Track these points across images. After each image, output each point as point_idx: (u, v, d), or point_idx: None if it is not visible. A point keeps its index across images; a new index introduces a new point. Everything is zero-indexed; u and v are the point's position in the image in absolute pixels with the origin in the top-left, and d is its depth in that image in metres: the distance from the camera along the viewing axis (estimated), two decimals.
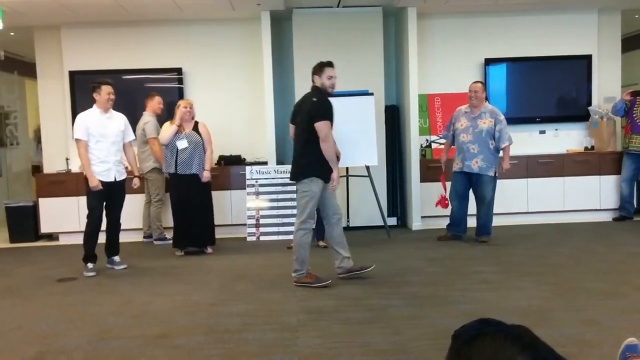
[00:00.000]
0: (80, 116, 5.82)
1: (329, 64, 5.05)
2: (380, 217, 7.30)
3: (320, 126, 4.85)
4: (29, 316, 4.41)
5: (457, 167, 6.67)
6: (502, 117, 6.53)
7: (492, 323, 1.22)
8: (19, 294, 5.09)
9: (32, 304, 4.77)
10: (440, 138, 7.83)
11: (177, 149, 6.33)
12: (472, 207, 6.77)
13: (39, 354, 3.58)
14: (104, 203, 5.85)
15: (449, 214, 6.85)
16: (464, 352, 1.17)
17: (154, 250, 6.92)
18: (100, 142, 5.74)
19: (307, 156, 4.95)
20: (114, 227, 5.99)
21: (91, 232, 5.80)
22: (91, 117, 5.77)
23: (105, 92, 5.75)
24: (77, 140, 5.74)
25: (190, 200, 6.40)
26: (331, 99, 7.22)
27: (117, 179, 5.83)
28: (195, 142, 6.40)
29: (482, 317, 1.25)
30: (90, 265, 5.78)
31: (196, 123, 6.54)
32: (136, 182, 6.10)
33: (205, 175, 6.48)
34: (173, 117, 6.49)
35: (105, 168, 5.75)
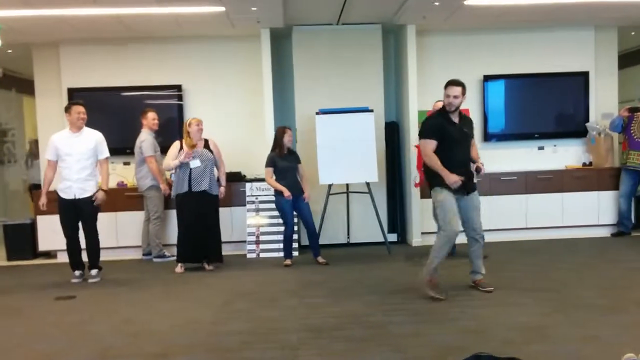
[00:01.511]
0: (52, 137, 6.14)
1: (449, 83, 5.11)
2: (381, 233, 7.29)
3: (420, 144, 5.23)
4: (29, 335, 4.39)
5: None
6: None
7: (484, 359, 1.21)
8: (19, 313, 5.06)
9: (32, 322, 4.75)
10: None
11: (191, 168, 6.39)
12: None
13: None
14: (72, 218, 6.09)
15: None
16: None
17: (153, 268, 6.90)
18: (64, 161, 6.02)
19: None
20: (87, 242, 6.18)
21: (67, 246, 6.19)
22: (61, 137, 6.09)
23: (75, 112, 6.02)
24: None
25: (200, 216, 6.45)
26: (330, 116, 7.29)
27: (77, 197, 6.00)
28: (207, 159, 6.50)
29: (480, 340, 1.22)
30: (76, 272, 6.22)
31: (206, 140, 6.62)
32: (98, 196, 6.08)
33: (222, 191, 6.62)
34: (185, 137, 6.50)
35: (67, 185, 6.02)
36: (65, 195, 6.00)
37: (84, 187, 6.02)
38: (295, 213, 6.85)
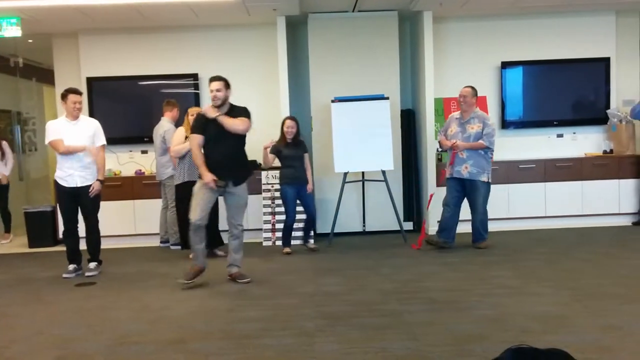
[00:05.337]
0: (49, 123, 6.00)
1: (210, 80, 5.25)
2: (397, 221, 7.28)
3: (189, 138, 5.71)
4: (49, 321, 4.46)
5: (448, 173, 6.56)
6: (491, 122, 6.46)
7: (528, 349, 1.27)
8: (39, 299, 5.14)
9: (52, 309, 4.82)
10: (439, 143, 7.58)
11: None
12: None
13: (59, 359, 3.61)
14: (74, 208, 5.92)
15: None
16: None
17: (170, 255, 6.95)
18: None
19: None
20: (88, 233, 6.01)
21: (64, 237, 6.08)
22: (59, 124, 5.92)
23: (71, 101, 5.83)
24: (50, 143, 5.87)
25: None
26: (346, 104, 7.28)
27: (79, 185, 5.84)
28: None
29: (514, 343, 1.26)
30: (70, 266, 5.98)
31: None
32: (95, 186, 5.87)
33: None
34: (186, 126, 6.53)
35: (68, 174, 5.83)
36: (66, 183, 5.82)
37: (86, 176, 5.86)
38: (298, 202, 6.81)
